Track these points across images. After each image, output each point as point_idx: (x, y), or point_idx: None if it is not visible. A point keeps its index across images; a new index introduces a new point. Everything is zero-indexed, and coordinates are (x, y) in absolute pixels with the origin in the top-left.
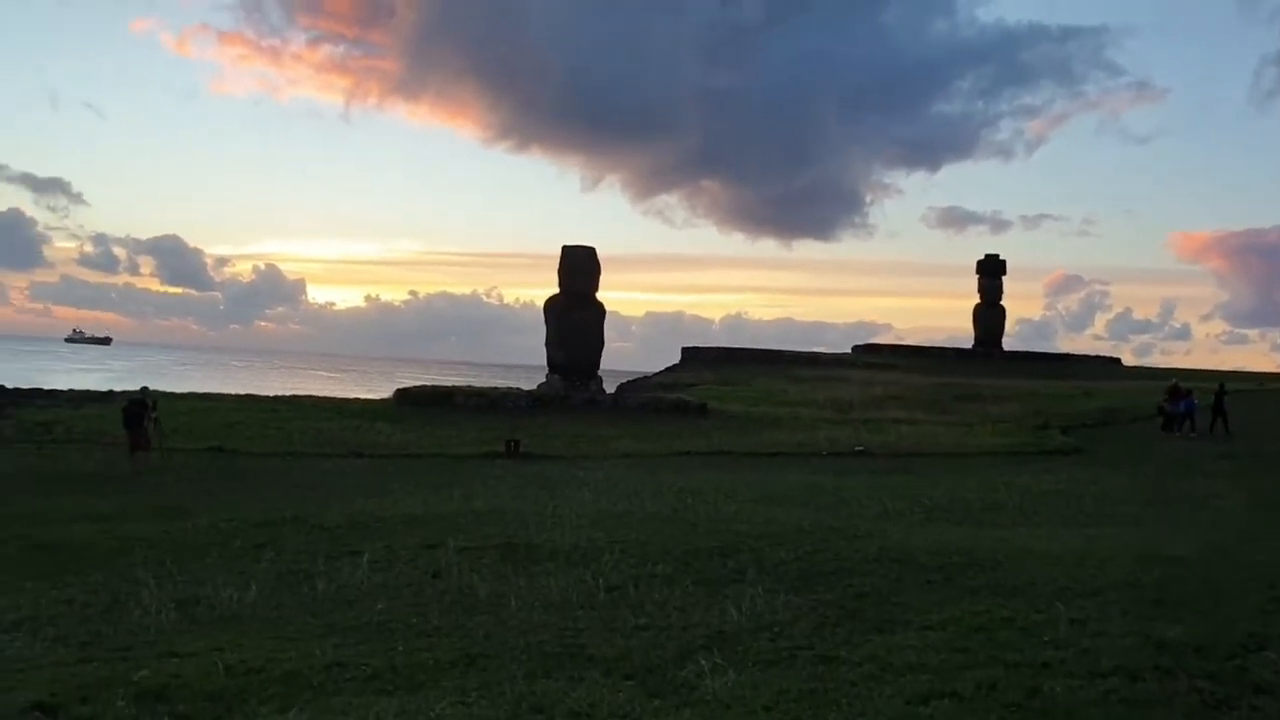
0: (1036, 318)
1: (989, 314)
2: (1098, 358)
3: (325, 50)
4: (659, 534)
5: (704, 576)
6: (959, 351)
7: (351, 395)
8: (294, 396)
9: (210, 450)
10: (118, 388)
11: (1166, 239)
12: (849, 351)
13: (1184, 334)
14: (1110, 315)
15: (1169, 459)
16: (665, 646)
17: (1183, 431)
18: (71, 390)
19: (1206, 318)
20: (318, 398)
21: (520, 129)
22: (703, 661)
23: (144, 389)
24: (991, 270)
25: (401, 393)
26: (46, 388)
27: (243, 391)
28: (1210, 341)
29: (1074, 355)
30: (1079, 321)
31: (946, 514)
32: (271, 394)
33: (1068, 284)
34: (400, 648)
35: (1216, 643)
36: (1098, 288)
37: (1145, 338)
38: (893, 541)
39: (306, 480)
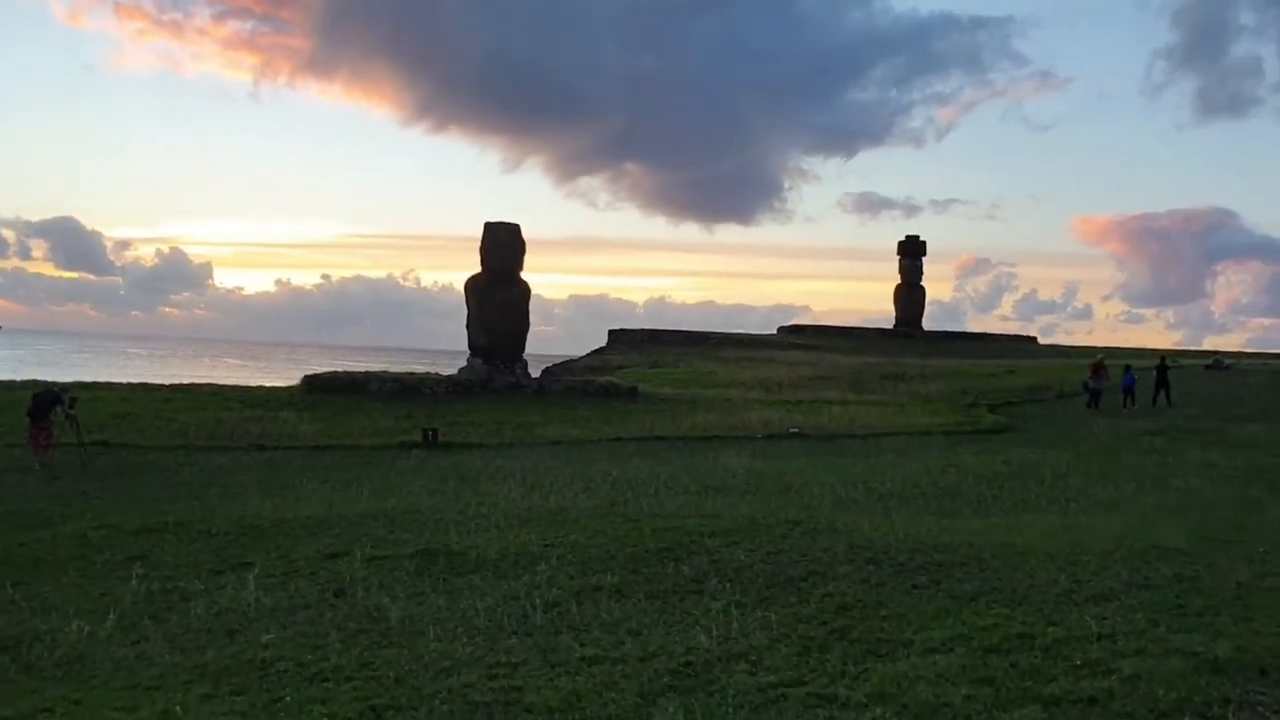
0: (947, 299)
1: (910, 294)
2: (1015, 336)
3: (232, 26)
4: (599, 534)
5: (657, 587)
6: (882, 331)
7: (256, 383)
8: (192, 385)
9: (94, 444)
10: None
11: (1069, 223)
12: (774, 333)
13: (1086, 314)
14: (1017, 296)
15: (1105, 436)
16: (621, 686)
17: (1127, 408)
18: None
19: (1107, 298)
20: (218, 386)
21: (438, 109)
22: (671, 708)
23: (58, 384)
24: (912, 251)
25: (310, 379)
26: None
27: (137, 380)
28: (1110, 321)
29: (991, 334)
30: (987, 302)
31: (903, 501)
32: (168, 382)
33: (977, 266)
34: (288, 698)
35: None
36: (1005, 270)
37: (1050, 318)
38: (860, 536)
39: (198, 478)
